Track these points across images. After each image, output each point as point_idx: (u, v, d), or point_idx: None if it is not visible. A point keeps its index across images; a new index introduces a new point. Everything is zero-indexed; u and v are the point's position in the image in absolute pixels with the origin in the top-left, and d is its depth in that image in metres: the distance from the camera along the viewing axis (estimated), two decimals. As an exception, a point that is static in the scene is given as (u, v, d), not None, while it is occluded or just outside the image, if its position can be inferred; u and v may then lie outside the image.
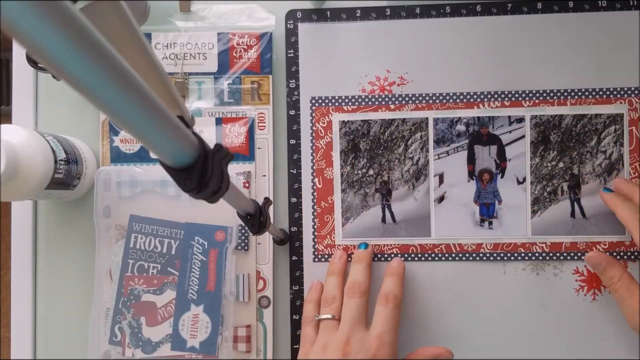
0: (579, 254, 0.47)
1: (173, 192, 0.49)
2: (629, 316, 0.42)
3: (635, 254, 0.47)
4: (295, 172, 0.49)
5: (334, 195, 0.49)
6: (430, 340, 0.48)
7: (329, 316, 0.43)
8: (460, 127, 0.48)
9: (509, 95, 0.48)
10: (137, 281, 0.46)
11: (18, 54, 0.51)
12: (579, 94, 0.48)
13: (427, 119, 0.49)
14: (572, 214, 0.48)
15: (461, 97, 0.49)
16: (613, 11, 0.48)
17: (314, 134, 0.49)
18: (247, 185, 0.49)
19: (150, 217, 0.47)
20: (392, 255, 0.48)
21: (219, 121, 0.49)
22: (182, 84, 0.49)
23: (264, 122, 0.49)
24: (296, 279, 0.49)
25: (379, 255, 0.48)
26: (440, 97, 0.49)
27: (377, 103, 0.49)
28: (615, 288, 0.43)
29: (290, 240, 0.49)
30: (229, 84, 0.49)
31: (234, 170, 0.49)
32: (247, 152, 0.49)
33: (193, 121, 0.27)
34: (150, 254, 0.46)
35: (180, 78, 0.49)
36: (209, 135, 0.49)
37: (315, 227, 0.49)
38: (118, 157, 0.49)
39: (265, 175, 0.49)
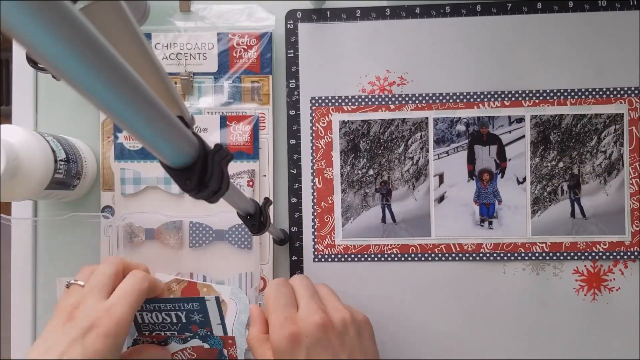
0: (579, 254, 0.47)
1: (177, 189, 0.49)
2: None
3: (635, 253, 0.47)
4: (295, 172, 0.49)
5: (334, 195, 0.49)
6: (430, 340, 0.48)
7: (81, 283, 0.41)
8: (460, 127, 0.48)
9: (509, 95, 0.48)
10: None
11: (18, 54, 0.51)
12: (579, 94, 0.48)
13: (427, 119, 0.49)
14: (572, 214, 0.48)
15: (461, 97, 0.49)
16: (613, 11, 0.48)
17: (314, 134, 0.49)
18: (251, 184, 0.49)
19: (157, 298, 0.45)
20: (392, 255, 0.48)
21: (224, 120, 0.49)
22: (188, 82, 0.49)
23: (264, 122, 0.49)
24: (296, 278, 0.49)
25: (379, 255, 0.48)
26: (440, 97, 0.49)
27: (377, 103, 0.49)
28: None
29: (290, 240, 0.49)
30: (229, 84, 0.49)
31: (239, 169, 0.49)
32: (252, 151, 0.49)
33: (193, 121, 0.27)
34: (162, 324, 0.45)
35: (186, 76, 0.49)
36: (213, 134, 0.49)
37: (315, 227, 0.49)
38: (122, 154, 0.49)
39: (265, 175, 0.49)
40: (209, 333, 0.45)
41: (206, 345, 0.46)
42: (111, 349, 0.36)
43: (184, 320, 0.45)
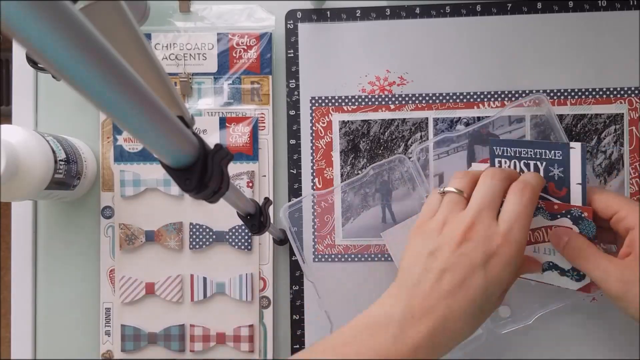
0: (579, 254, 0.47)
1: (177, 191, 0.49)
2: (603, 280, 0.37)
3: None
4: (295, 172, 0.49)
5: (334, 195, 0.49)
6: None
7: (454, 190, 0.38)
8: (460, 127, 0.48)
9: (509, 95, 0.48)
10: None
11: (18, 54, 0.51)
12: (579, 94, 0.48)
13: (427, 119, 0.49)
14: (572, 214, 0.48)
15: (461, 97, 0.49)
16: (613, 11, 0.48)
17: (314, 134, 0.49)
18: (250, 185, 0.49)
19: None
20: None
21: (223, 121, 0.49)
22: (187, 84, 0.49)
23: (264, 123, 0.49)
24: (296, 279, 0.49)
25: (379, 255, 0.48)
26: (440, 97, 0.49)
27: (377, 103, 0.49)
28: (584, 255, 0.38)
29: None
30: (229, 85, 0.49)
31: (238, 170, 0.49)
32: (251, 152, 0.49)
33: (193, 121, 0.27)
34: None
35: (185, 77, 0.49)
36: (213, 135, 0.49)
37: (315, 227, 0.49)
38: (122, 156, 0.49)
39: (265, 176, 0.49)
40: (582, 214, 0.39)
41: (576, 229, 0.40)
42: (510, 276, 0.35)
43: (541, 174, 0.40)
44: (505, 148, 0.42)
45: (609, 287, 0.36)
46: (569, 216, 0.40)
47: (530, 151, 0.41)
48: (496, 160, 0.43)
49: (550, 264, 0.42)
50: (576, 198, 0.40)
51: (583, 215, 0.40)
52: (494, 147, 0.44)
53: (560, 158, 0.40)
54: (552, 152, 0.40)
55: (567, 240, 0.39)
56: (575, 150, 0.40)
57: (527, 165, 0.42)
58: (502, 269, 0.34)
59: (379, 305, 0.36)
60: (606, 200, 0.39)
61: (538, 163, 0.41)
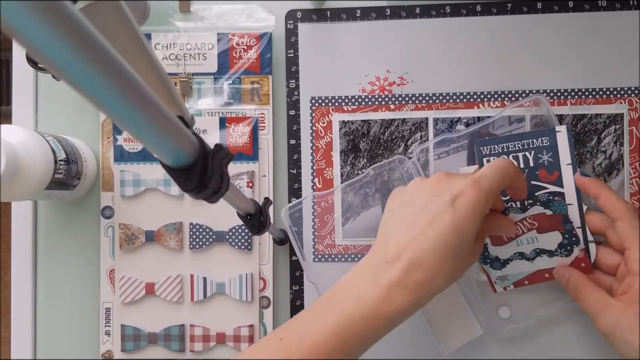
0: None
1: (177, 191, 0.49)
2: (593, 318, 0.40)
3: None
4: (295, 172, 0.49)
5: (334, 196, 0.49)
6: (427, 338, 0.48)
7: None
8: (460, 127, 0.48)
9: (509, 95, 0.48)
10: None
11: (18, 54, 0.51)
12: (579, 94, 0.48)
13: (427, 119, 0.49)
14: (572, 214, 0.48)
15: (461, 97, 0.49)
16: (613, 11, 0.48)
17: (314, 134, 0.49)
18: (250, 185, 0.49)
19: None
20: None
21: (223, 121, 0.49)
22: (187, 84, 0.49)
23: (264, 123, 0.49)
24: (296, 279, 0.49)
25: (379, 255, 0.48)
26: (440, 97, 0.49)
27: (377, 103, 0.49)
28: (579, 296, 0.41)
29: (290, 241, 0.49)
30: (229, 85, 0.49)
31: (238, 170, 0.49)
32: (251, 152, 0.49)
33: (193, 121, 0.27)
34: None
35: (185, 77, 0.49)
36: (213, 135, 0.49)
37: (315, 227, 0.49)
38: (122, 156, 0.49)
39: (265, 176, 0.49)
40: (550, 197, 0.41)
41: (548, 212, 0.41)
42: (477, 218, 0.35)
43: (531, 164, 0.41)
44: (492, 146, 0.43)
45: (598, 327, 0.40)
46: (538, 203, 0.42)
47: (518, 143, 0.43)
48: (484, 160, 0.44)
49: (537, 250, 0.43)
50: (568, 178, 0.42)
51: (551, 197, 0.41)
52: (481, 148, 0.45)
53: (548, 143, 0.42)
54: (540, 139, 0.42)
55: (568, 276, 0.42)
56: (562, 133, 0.42)
57: (516, 158, 0.43)
58: (469, 208, 0.35)
59: (355, 267, 0.37)
60: (623, 234, 0.40)
61: (527, 153, 0.43)
